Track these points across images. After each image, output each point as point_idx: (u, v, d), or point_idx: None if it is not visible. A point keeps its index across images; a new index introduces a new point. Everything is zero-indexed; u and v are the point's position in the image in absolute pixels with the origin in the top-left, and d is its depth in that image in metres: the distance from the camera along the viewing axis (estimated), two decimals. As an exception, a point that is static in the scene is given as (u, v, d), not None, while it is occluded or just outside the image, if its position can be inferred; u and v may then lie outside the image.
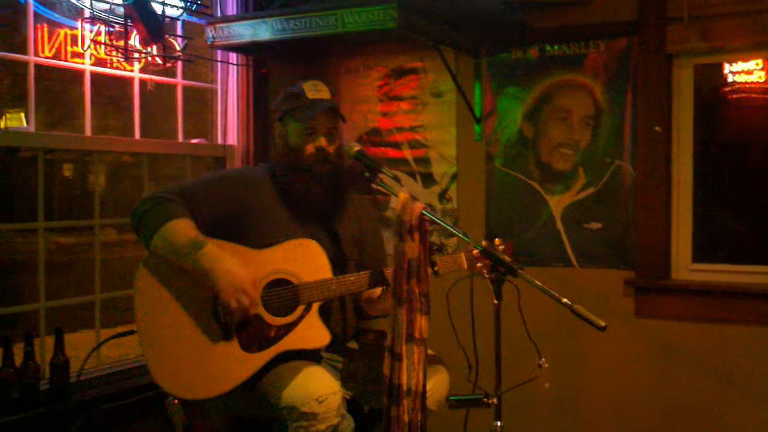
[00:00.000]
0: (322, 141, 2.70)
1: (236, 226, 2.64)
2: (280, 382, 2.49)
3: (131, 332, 3.10)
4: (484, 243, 2.76)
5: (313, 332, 2.61)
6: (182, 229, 2.50)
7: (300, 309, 2.60)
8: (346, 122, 2.84)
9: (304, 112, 2.70)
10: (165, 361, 2.49)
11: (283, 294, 2.59)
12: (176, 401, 2.68)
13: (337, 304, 2.76)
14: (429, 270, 2.51)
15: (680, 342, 3.64)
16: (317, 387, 2.46)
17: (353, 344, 2.89)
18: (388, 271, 2.62)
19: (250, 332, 2.55)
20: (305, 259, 2.63)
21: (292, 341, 2.58)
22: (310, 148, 2.70)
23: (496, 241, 2.80)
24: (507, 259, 2.30)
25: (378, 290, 2.75)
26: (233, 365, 2.52)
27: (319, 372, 2.55)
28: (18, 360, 3.21)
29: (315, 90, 2.75)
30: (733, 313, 3.53)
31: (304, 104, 2.71)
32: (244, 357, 2.53)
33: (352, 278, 2.64)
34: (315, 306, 2.61)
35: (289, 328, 2.58)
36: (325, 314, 2.65)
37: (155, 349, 2.50)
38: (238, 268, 2.48)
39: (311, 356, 2.66)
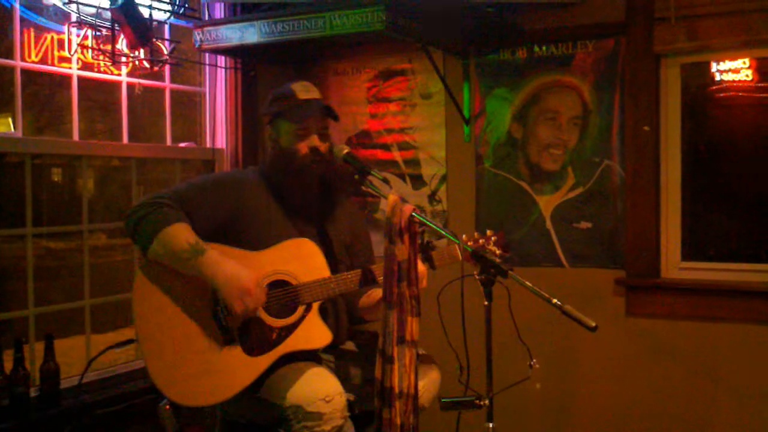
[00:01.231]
0: (316, 140, 2.70)
1: (231, 229, 2.63)
2: (285, 382, 2.49)
3: (130, 341, 3.09)
4: (476, 234, 2.78)
5: (315, 332, 2.61)
6: (181, 234, 2.47)
7: (301, 309, 2.60)
8: (339, 120, 2.84)
9: (297, 113, 2.70)
10: (169, 370, 2.47)
11: (283, 295, 2.59)
12: (167, 407, 2.66)
13: (329, 305, 2.75)
14: (423, 268, 2.51)
15: (670, 340, 3.65)
16: (323, 387, 2.46)
17: (349, 346, 2.89)
18: (376, 268, 2.64)
19: (252, 336, 2.54)
20: (302, 259, 2.63)
21: (294, 342, 2.58)
22: (303, 149, 2.70)
23: (488, 232, 2.81)
24: (497, 260, 2.30)
25: (376, 295, 2.74)
26: (238, 369, 2.51)
27: (324, 373, 2.55)
28: (8, 367, 3.19)
29: (305, 91, 2.76)
30: (723, 311, 3.54)
31: (295, 105, 2.72)
32: (247, 361, 2.53)
33: (350, 276, 2.64)
34: (315, 306, 2.61)
35: (290, 329, 2.58)
36: (321, 316, 2.64)
37: (158, 359, 2.48)
38: (241, 270, 2.47)
39: (311, 357, 2.66)
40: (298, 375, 2.50)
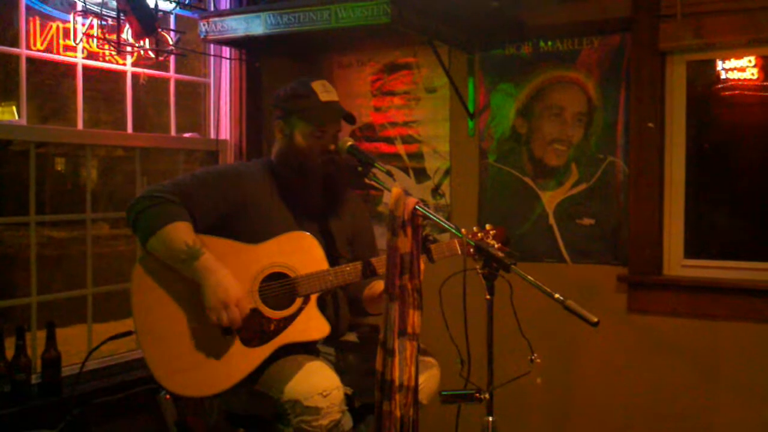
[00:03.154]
0: (332, 145, 2.71)
1: (232, 222, 2.64)
2: (283, 376, 2.49)
3: (129, 333, 3.10)
4: (475, 228, 2.78)
5: (312, 324, 2.61)
6: (180, 234, 2.48)
7: (298, 301, 2.60)
8: (356, 124, 2.86)
9: (318, 115, 2.71)
10: (166, 359, 2.48)
11: (281, 287, 2.59)
12: (168, 396, 2.67)
13: (330, 297, 2.76)
14: (423, 262, 2.52)
15: (672, 337, 3.65)
16: (321, 381, 2.46)
17: (351, 337, 2.90)
18: (376, 260, 2.64)
19: (249, 327, 2.54)
20: (301, 252, 2.63)
21: (292, 334, 2.58)
22: (319, 151, 2.70)
23: (488, 226, 2.82)
24: (500, 254, 2.30)
25: (378, 288, 2.75)
26: (235, 361, 2.52)
27: (322, 366, 2.56)
28: (9, 354, 3.20)
29: (326, 92, 2.76)
30: (725, 309, 3.54)
31: (316, 106, 2.71)
32: (245, 352, 2.53)
33: (348, 268, 2.65)
34: (313, 298, 2.62)
35: (288, 321, 2.59)
36: (320, 308, 2.65)
37: (155, 349, 2.49)
38: (229, 283, 2.47)
39: (309, 349, 2.66)
40: (296, 369, 2.50)
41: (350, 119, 2.78)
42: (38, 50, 3.43)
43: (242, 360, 2.52)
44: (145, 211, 2.51)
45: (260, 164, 2.84)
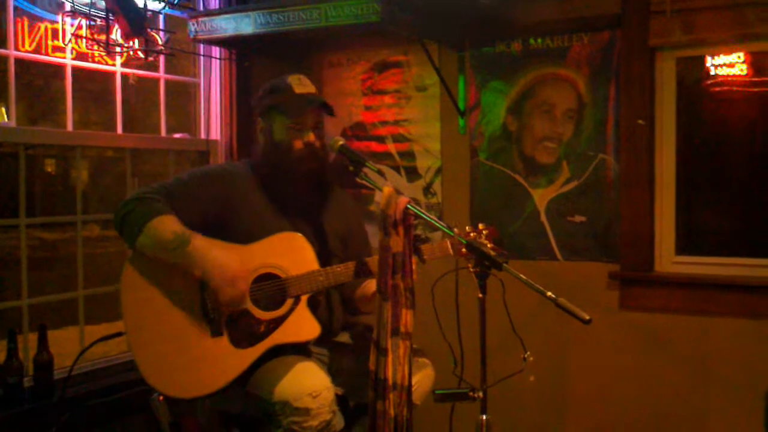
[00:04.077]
0: (311, 136, 2.70)
1: (220, 223, 2.63)
2: (273, 377, 2.49)
3: (119, 334, 3.09)
4: (467, 228, 2.78)
5: (303, 325, 2.61)
6: (168, 224, 2.48)
7: (289, 302, 2.60)
8: (335, 115, 2.84)
9: (293, 107, 2.70)
10: (156, 361, 2.48)
11: (271, 288, 2.59)
12: (161, 398, 2.66)
13: (323, 298, 2.75)
14: (414, 261, 2.52)
15: (664, 334, 3.67)
16: (311, 382, 2.46)
17: (344, 338, 2.89)
18: (370, 260, 2.63)
19: (239, 328, 2.54)
20: (291, 253, 2.63)
21: (282, 335, 2.58)
22: (298, 144, 2.70)
23: (480, 225, 2.82)
24: (492, 253, 2.30)
25: (371, 287, 2.75)
26: (225, 362, 2.51)
27: (312, 367, 2.55)
28: (1, 357, 3.19)
29: (301, 84, 2.75)
30: (716, 306, 3.55)
31: (291, 99, 2.70)
32: (235, 353, 2.53)
33: (339, 269, 2.64)
34: (304, 299, 2.61)
35: (278, 322, 2.58)
36: (311, 308, 2.64)
37: (145, 350, 2.48)
38: (229, 259, 2.47)
39: (301, 350, 2.65)
40: (286, 370, 2.50)
41: (328, 109, 2.77)
42: (27, 51, 3.41)
43: (232, 361, 2.52)
44: (131, 212, 2.51)
45: (245, 164, 2.83)
